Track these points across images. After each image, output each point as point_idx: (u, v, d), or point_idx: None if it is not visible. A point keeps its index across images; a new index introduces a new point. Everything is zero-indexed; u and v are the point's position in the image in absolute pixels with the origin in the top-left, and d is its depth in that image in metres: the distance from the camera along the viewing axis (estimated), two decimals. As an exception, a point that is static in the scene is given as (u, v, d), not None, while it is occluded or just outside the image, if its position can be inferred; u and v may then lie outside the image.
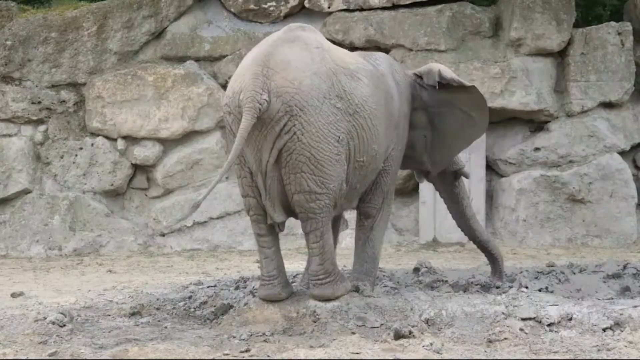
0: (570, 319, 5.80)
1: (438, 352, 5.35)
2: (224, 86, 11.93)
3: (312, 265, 6.16)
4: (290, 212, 6.16)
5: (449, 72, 6.90)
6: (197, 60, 12.08)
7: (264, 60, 5.93)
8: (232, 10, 12.18)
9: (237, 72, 6.11)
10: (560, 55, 12.10)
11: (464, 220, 7.40)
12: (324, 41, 6.31)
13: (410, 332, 5.66)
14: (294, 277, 7.31)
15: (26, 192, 11.66)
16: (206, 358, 5.28)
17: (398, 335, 5.62)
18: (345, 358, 5.22)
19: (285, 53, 5.98)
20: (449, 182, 7.33)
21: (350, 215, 11.08)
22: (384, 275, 7.52)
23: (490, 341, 5.63)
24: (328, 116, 5.93)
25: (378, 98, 6.32)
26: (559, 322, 5.79)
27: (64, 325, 6.02)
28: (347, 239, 11.06)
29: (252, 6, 12.07)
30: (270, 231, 6.21)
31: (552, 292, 6.82)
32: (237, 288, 6.86)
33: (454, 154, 7.14)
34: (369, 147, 6.24)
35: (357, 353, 5.30)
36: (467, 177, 7.46)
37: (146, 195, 11.97)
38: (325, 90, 5.94)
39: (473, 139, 7.18)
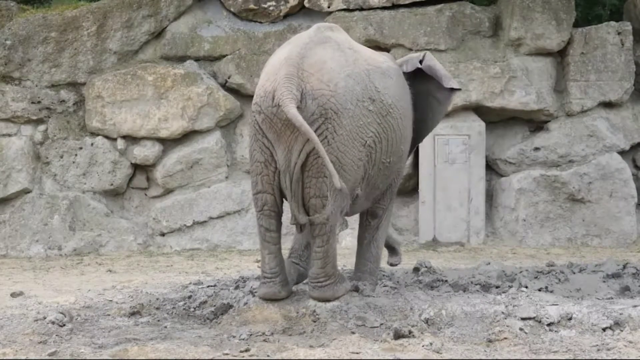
0: (570, 319, 5.80)
1: (438, 352, 5.35)
2: (224, 86, 11.94)
3: (314, 268, 6.15)
4: None
5: (434, 61, 6.79)
6: (197, 60, 12.07)
7: (298, 62, 5.88)
8: (231, 9, 12.18)
9: (267, 72, 6.04)
10: (560, 55, 12.10)
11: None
12: (353, 41, 6.28)
13: (410, 332, 5.66)
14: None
15: (26, 191, 11.66)
16: (206, 358, 5.28)
17: (398, 335, 5.62)
18: (345, 358, 5.22)
19: (319, 54, 5.93)
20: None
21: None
22: (383, 275, 7.52)
23: (490, 341, 5.63)
24: (359, 119, 5.90)
25: (405, 97, 6.32)
26: (559, 321, 5.79)
27: (64, 325, 6.01)
28: (347, 238, 11.07)
29: (251, 6, 12.06)
30: (278, 228, 6.20)
31: (551, 291, 6.82)
32: (236, 288, 6.85)
33: (421, 140, 7.09)
34: (396, 148, 6.22)
35: (357, 353, 5.30)
36: None
37: (146, 195, 11.97)
38: (359, 93, 5.91)
39: (435, 125, 7.12)
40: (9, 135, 11.79)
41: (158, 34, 12.05)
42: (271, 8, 12.07)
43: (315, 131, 5.77)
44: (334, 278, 6.13)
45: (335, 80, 5.84)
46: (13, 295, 7.78)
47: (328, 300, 6.08)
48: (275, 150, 5.92)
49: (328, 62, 5.90)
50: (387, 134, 6.10)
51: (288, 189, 5.97)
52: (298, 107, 5.73)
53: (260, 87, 6.01)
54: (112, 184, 11.74)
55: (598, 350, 5.36)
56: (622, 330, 5.67)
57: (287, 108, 5.68)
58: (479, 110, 12.00)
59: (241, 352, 5.41)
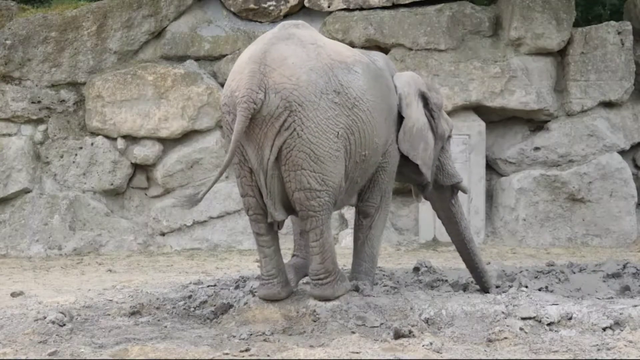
0: (570, 319, 5.80)
1: (438, 352, 5.35)
2: (224, 85, 11.93)
3: (313, 264, 6.15)
4: (290, 210, 6.15)
5: (408, 93, 6.74)
6: (197, 59, 12.08)
7: (260, 58, 5.94)
8: (231, 9, 12.18)
9: (233, 71, 6.12)
10: (560, 55, 12.10)
11: (463, 243, 7.26)
12: (319, 37, 6.29)
13: (410, 332, 5.66)
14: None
15: (26, 191, 11.66)
16: (206, 357, 5.28)
17: (398, 335, 5.62)
18: (345, 357, 5.22)
19: (282, 50, 5.98)
20: (446, 199, 7.26)
21: (350, 215, 11.11)
22: (383, 275, 7.52)
23: (490, 340, 5.63)
24: (326, 111, 5.92)
25: (376, 90, 6.30)
26: (559, 321, 5.79)
27: (64, 325, 6.01)
28: (347, 238, 11.07)
29: (251, 5, 12.07)
30: (269, 230, 6.20)
31: (552, 291, 6.82)
32: (237, 287, 6.85)
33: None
34: (370, 141, 6.22)
35: (357, 352, 5.30)
36: (465, 192, 7.39)
37: (146, 194, 11.97)
38: (322, 86, 5.93)
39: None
40: (9, 135, 11.79)
41: (158, 34, 12.05)
42: (271, 8, 12.07)
43: (282, 124, 5.83)
44: (335, 275, 6.12)
45: (297, 74, 5.88)
46: (13, 295, 7.77)
47: (328, 299, 6.08)
48: (245, 149, 5.95)
49: (290, 57, 5.95)
50: (358, 126, 6.10)
51: (263, 186, 5.99)
52: (262, 104, 5.79)
53: (227, 87, 6.09)
54: (112, 184, 11.74)
55: (598, 350, 5.36)
56: (622, 330, 5.67)
57: (238, 121, 5.77)
58: (479, 109, 12.00)
59: (241, 351, 5.41)
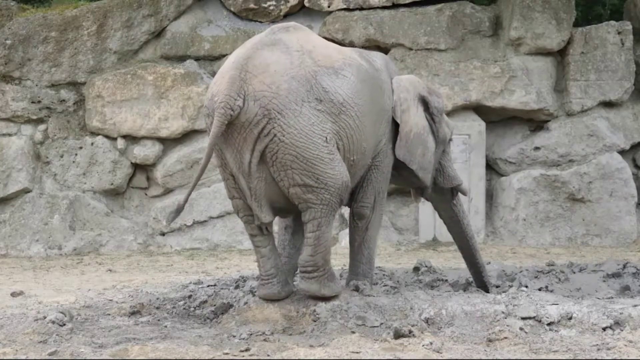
0: (570, 318, 5.79)
1: (438, 352, 5.35)
2: (224, 85, 11.93)
3: (303, 254, 6.08)
4: (277, 211, 6.13)
5: (405, 98, 6.71)
6: (197, 59, 12.08)
7: (242, 64, 5.90)
8: (232, 9, 12.18)
9: (217, 75, 6.09)
10: (560, 55, 12.11)
11: (465, 240, 7.26)
12: (308, 41, 6.18)
13: (410, 331, 5.66)
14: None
15: (26, 191, 11.66)
16: (206, 357, 5.27)
17: (398, 335, 5.62)
18: (345, 357, 5.22)
19: (265, 57, 5.93)
20: (446, 200, 7.23)
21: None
22: (383, 275, 7.52)
23: (490, 340, 5.63)
24: (310, 118, 5.86)
25: (365, 93, 6.22)
26: (559, 321, 5.79)
27: (64, 325, 6.01)
28: (346, 238, 11.05)
29: (252, 5, 12.07)
30: (263, 231, 6.18)
31: (552, 291, 6.83)
32: (237, 287, 6.85)
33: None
34: (359, 146, 6.17)
35: (357, 352, 5.30)
36: (465, 194, 7.36)
37: (146, 194, 11.98)
38: (303, 94, 5.86)
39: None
40: (9, 134, 11.79)
41: (158, 34, 12.05)
42: (271, 7, 12.07)
43: (261, 131, 5.80)
44: (323, 272, 6.05)
45: (277, 82, 5.84)
46: (13, 294, 7.77)
47: (315, 296, 6.03)
48: (224, 154, 5.94)
49: (272, 64, 5.90)
50: (346, 132, 6.04)
51: (245, 189, 5.96)
52: (239, 111, 5.78)
53: (209, 90, 6.06)
54: (112, 184, 11.74)
55: (598, 349, 5.36)
56: (622, 330, 5.67)
57: (214, 125, 5.79)
58: (479, 109, 12.00)
59: (241, 351, 5.41)
